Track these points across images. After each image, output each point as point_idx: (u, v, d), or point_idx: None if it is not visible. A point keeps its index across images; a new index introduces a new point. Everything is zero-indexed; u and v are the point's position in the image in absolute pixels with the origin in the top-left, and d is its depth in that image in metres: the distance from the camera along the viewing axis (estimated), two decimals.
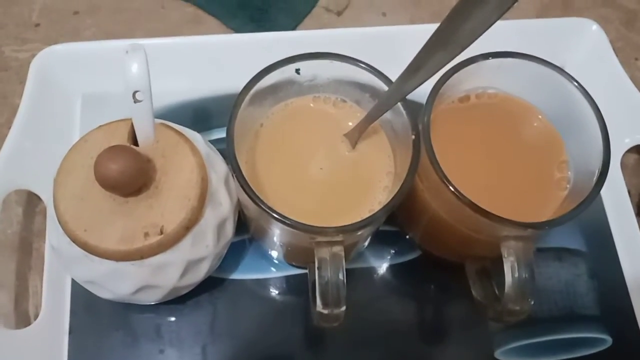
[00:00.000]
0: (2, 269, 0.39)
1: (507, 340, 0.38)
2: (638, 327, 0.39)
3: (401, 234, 0.40)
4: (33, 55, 0.41)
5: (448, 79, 0.31)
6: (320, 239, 0.29)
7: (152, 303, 0.35)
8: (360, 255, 0.40)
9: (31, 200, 0.41)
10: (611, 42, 0.45)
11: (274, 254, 0.38)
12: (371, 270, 0.40)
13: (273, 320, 0.38)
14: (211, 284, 0.38)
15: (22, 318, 0.38)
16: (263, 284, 0.39)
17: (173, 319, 0.38)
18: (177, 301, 0.36)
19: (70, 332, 0.37)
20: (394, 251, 0.40)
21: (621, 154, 0.43)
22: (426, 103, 0.30)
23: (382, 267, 0.40)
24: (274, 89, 0.32)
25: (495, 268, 0.36)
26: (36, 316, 0.37)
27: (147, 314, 0.38)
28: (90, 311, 0.37)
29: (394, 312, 0.39)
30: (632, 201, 0.42)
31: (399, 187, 0.29)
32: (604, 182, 0.30)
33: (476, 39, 0.26)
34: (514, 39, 0.37)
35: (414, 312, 0.39)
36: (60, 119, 0.42)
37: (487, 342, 0.38)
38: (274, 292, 0.39)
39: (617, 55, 0.45)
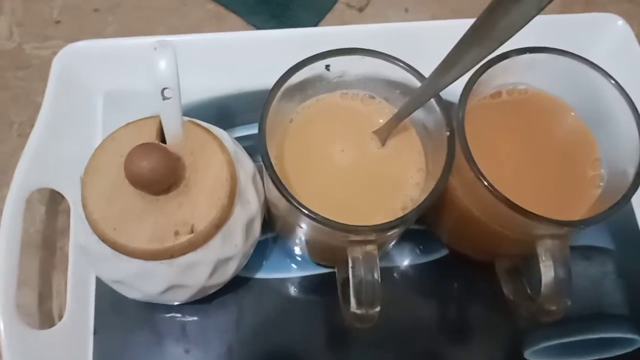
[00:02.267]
0: (26, 269, 0.38)
1: (536, 340, 0.38)
2: None
3: (428, 232, 0.40)
4: (54, 53, 0.41)
5: (482, 74, 0.30)
6: (353, 237, 0.28)
7: (179, 303, 0.35)
8: (386, 254, 0.39)
9: (54, 199, 0.41)
10: (636, 37, 0.45)
11: (299, 252, 0.38)
12: (398, 270, 0.39)
13: (298, 320, 0.38)
14: (237, 283, 0.37)
15: (46, 318, 0.38)
16: (288, 283, 0.39)
17: (198, 318, 0.37)
18: (203, 300, 0.36)
19: (95, 333, 0.37)
20: (420, 250, 0.40)
21: None
22: (460, 99, 0.30)
23: (409, 266, 0.39)
24: (303, 85, 0.32)
25: (527, 266, 0.36)
26: (60, 316, 0.36)
27: (172, 313, 0.37)
28: (115, 311, 0.37)
29: (421, 311, 0.38)
30: None
31: (433, 185, 0.28)
32: None
33: (515, 33, 0.26)
34: (538, 35, 0.36)
35: (440, 311, 0.39)
36: (82, 117, 0.42)
37: (515, 342, 0.38)
38: (298, 291, 0.38)
39: None
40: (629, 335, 0.38)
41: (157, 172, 0.28)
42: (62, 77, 0.41)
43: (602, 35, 0.45)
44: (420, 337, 0.38)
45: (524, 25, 0.25)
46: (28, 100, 0.44)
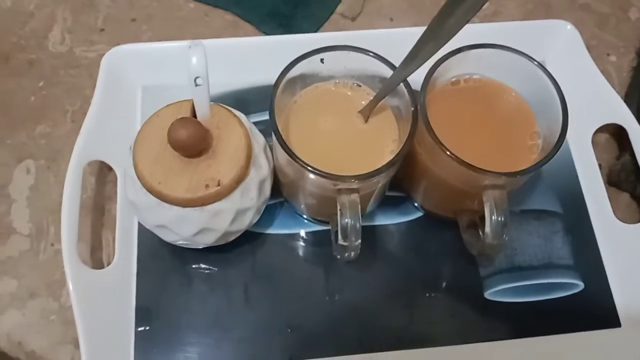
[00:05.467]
0: (80, 227, 0.47)
1: (494, 283, 0.46)
2: (605, 274, 0.47)
3: (406, 199, 0.49)
4: (100, 55, 0.50)
5: (440, 64, 0.39)
6: (341, 185, 0.37)
7: (207, 245, 0.43)
8: (371, 214, 0.48)
9: (102, 171, 0.50)
10: (586, 40, 0.53)
11: (301, 212, 0.47)
12: (380, 228, 0.48)
13: (300, 265, 0.47)
14: (251, 237, 0.47)
15: (98, 264, 0.47)
16: (292, 237, 0.48)
17: (220, 264, 0.46)
18: (224, 249, 0.45)
19: (137, 274, 0.46)
20: (399, 212, 0.48)
21: (592, 133, 0.51)
22: (423, 83, 0.39)
23: (389, 225, 0.48)
24: (303, 75, 0.41)
25: (482, 221, 0.44)
26: (109, 264, 0.46)
27: (200, 259, 0.46)
28: (153, 258, 0.46)
29: (399, 261, 0.47)
30: (601, 172, 0.50)
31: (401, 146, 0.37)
32: (561, 144, 0.38)
33: (458, 31, 0.35)
34: (500, 39, 0.44)
35: (415, 261, 0.47)
36: (125, 106, 0.51)
37: (478, 285, 0.46)
38: (301, 244, 0.48)
39: (591, 52, 0.52)
40: (572, 281, 0.47)
41: (192, 138, 0.37)
42: (109, 74, 0.49)
43: (554, 38, 0.53)
44: (399, 280, 0.46)
45: (463, 25, 0.34)
46: (78, 93, 0.53)
